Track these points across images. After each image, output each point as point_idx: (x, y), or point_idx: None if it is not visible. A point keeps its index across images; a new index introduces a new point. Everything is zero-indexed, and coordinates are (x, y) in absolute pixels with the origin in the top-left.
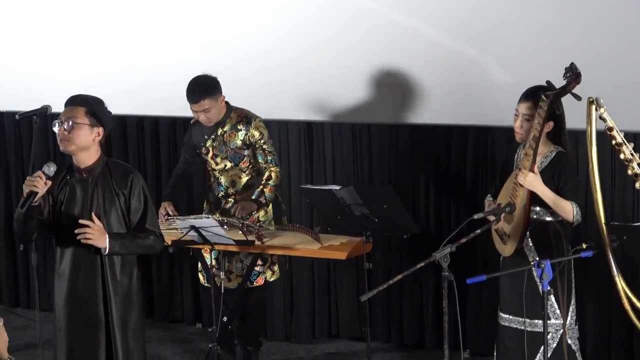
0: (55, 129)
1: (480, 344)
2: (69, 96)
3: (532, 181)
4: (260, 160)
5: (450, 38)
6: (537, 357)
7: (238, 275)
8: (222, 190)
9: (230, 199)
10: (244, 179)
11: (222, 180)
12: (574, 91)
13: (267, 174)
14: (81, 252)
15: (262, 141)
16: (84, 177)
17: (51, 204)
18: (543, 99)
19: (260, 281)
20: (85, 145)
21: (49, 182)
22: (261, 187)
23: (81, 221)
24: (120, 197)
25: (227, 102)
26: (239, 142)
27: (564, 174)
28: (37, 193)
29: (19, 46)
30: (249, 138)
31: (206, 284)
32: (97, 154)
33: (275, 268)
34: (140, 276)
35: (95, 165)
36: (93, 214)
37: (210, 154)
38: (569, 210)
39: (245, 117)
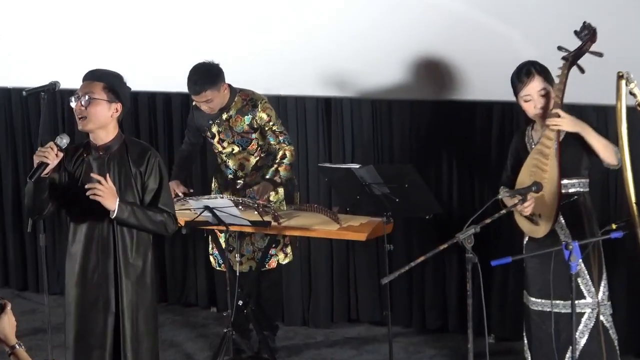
0: (72, 104)
1: (506, 328)
2: (77, 72)
3: (571, 120)
4: (272, 142)
5: (475, 11)
6: (575, 338)
7: (249, 258)
8: (231, 173)
9: (239, 181)
10: (253, 161)
11: (230, 163)
12: (591, 49)
13: (280, 153)
14: (94, 231)
15: (270, 123)
16: (101, 155)
17: (66, 180)
18: (563, 63)
19: (272, 264)
20: (103, 122)
21: (61, 154)
22: (275, 166)
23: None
24: (137, 176)
25: (230, 86)
26: (246, 127)
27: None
28: (47, 164)
29: (27, 20)
30: (256, 122)
31: (217, 267)
32: (115, 131)
33: (288, 250)
34: (155, 258)
35: (112, 142)
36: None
37: (217, 139)
38: (613, 150)
39: (250, 100)
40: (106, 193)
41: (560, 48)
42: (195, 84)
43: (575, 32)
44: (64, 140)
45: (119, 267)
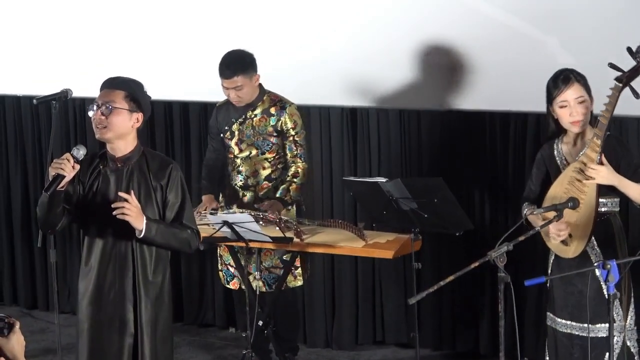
0: (91, 113)
1: (540, 351)
2: (89, 80)
3: (607, 174)
4: (288, 152)
5: (509, 17)
6: None
7: (256, 278)
8: (242, 180)
9: (247, 192)
10: (267, 171)
11: (243, 169)
12: None
13: (293, 169)
14: (111, 247)
15: (294, 131)
16: (119, 167)
17: (81, 193)
18: (616, 84)
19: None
20: (123, 133)
21: (77, 166)
22: (287, 184)
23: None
24: (157, 191)
25: (260, 84)
26: (270, 128)
27: (624, 159)
28: (64, 177)
29: (38, 27)
30: (281, 125)
31: (226, 285)
32: (134, 143)
33: (298, 273)
34: (171, 275)
35: (131, 154)
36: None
37: (235, 139)
38: None
39: (279, 102)
40: (134, 212)
41: (612, 66)
42: (227, 68)
43: (629, 50)
44: (80, 152)
45: (138, 286)
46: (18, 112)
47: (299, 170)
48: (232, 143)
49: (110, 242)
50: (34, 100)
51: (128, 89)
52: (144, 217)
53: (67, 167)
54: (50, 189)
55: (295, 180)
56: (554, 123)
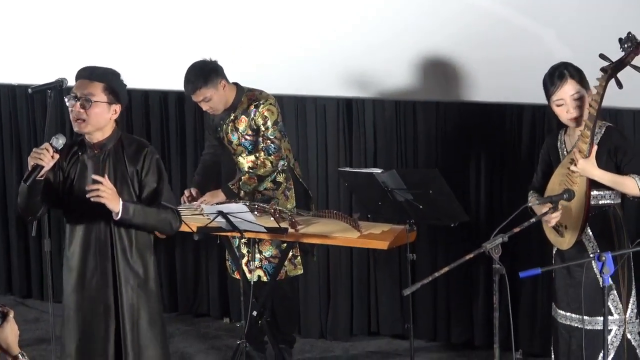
0: (68, 104)
1: (535, 343)
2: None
3: (584, 167)
4: (259, 147)
5: (506, 10)
6: (599, 358)
7: (257, 267)
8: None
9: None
10: (249, 164)
11: (243, 166)
12: (633, 62)
13: (253, 160)
14: (92, 234)
15: (264, 127)
16: (96, 154)
17: (61, 180)
18: (602, 75)
19: (281, 275)
20: (102, 124)
21: (57, 156)
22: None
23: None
24: (133, 175)
25: (237, 85)
26: (248, 129)
27: (620, 149)
28: (42, 167)
29: (32, 16)
30: (254, 123)
31: (232, 275)
32: (111, 129)
33: (298, 261)
34: (156, 261)
35: (107, 140)
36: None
37: (226, 140)
38: (632, 185)
39: (255, 100)
40: (109, 194)
41: (602, 56)
42: (188, 83)
43: (620, 40)
44: (59, 141)
45: (118, 271)
46: (13, 101)
47: (259, 162)
48: (225, 142)
49: (90, 229)
50: (29, 90)
51: (107, 81)
52: (120, 199)
53: (45, 157)
54: (29, 180)
55: (250, 171)
56: (556, 117)
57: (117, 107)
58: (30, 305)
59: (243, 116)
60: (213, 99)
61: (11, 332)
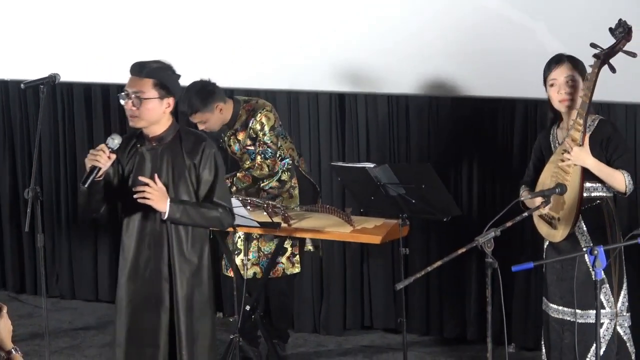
0: (122, 102)
1: (527, 337)
2: (77, 64)
3: (578, 155)
4: (257, 151)
5: (499, 5)
6: (591, 351)
7: (254, 263)
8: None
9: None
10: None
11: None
12: (625, 49)
13: (254, 163)
14: (148, 225)
15: (261, 132)
16: (154, 146)
17: (120, 173)
18: (595, 61)
19: (278, 272)
20: (156, 119)
21: (113, 156)
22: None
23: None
24: (190, 168)
25: (233, 99)
26: (248, 140)
27: (612, 142)
28: (100, 168)
29: (25, 10)
30: (252, 132)
31: (225, 272)
32: (169, 123)
33: (296, 260)
34: (211, 253)
35: (165, 133)
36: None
37: (229, 151)
38: (620, 179)
39: (252, 112)
40: (156, 195)
41: (593, 45)
42: (185, 104)
43: (610, 30)
44: (115, 141)
45: (173, 263)
46: (6, 96)
47: (256, 164)
48: (230, 153)
49: (146, 221)
50: (22, 85)
51: (157, 77)
52: (168, 199)
53: (102, 159)
54: (87, 181)
55: (249, 170)
56: (552, 111)
57: (170, 100)
58: (24, 301)
59: (243, 129)
60: (209, 121)
61: (4, 327)
